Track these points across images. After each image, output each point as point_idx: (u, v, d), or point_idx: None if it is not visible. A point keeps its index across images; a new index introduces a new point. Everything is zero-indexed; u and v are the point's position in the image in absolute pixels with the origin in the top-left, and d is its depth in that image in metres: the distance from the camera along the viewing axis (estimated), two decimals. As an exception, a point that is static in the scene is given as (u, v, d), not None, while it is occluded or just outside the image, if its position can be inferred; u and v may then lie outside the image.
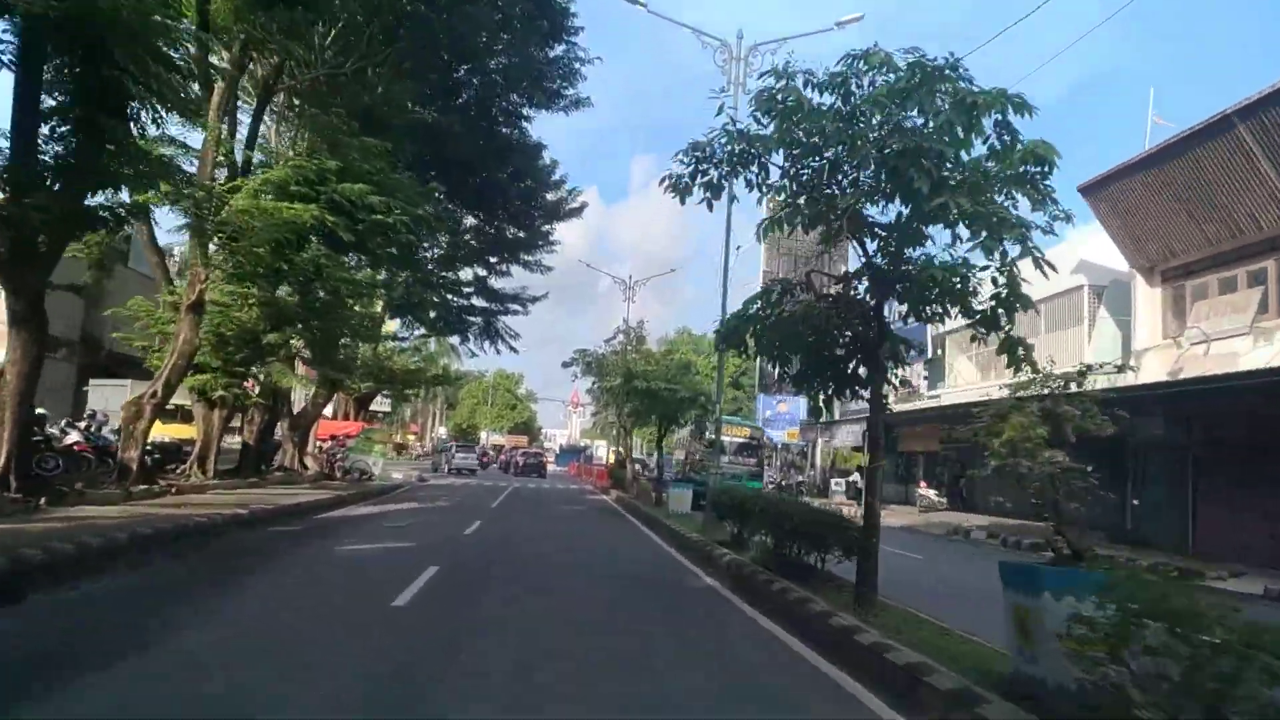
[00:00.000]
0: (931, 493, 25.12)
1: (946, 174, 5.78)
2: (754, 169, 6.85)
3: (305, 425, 22.86)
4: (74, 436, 13.15)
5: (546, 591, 7.93)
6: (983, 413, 5.38)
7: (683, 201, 6.93)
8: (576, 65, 22.80)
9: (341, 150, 16.37)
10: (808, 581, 7.38)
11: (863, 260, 7.19)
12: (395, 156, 18.36)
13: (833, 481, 28.80)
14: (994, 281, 5.88)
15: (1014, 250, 5.56)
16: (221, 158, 17.16)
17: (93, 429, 14.39)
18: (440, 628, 5.95)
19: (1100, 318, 20.31)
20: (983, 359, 25.51)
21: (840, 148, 6.79)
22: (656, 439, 20.88)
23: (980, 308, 6.36)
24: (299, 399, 25.04)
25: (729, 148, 6.64)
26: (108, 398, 18.56)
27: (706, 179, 6.83)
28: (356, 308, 27.34)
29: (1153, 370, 17.39)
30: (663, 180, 6.82)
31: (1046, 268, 5.55)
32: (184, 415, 17.76)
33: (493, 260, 30.98)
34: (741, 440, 21.73)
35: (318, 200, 15.87)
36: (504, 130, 26.15)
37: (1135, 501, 18.90)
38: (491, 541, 11.93)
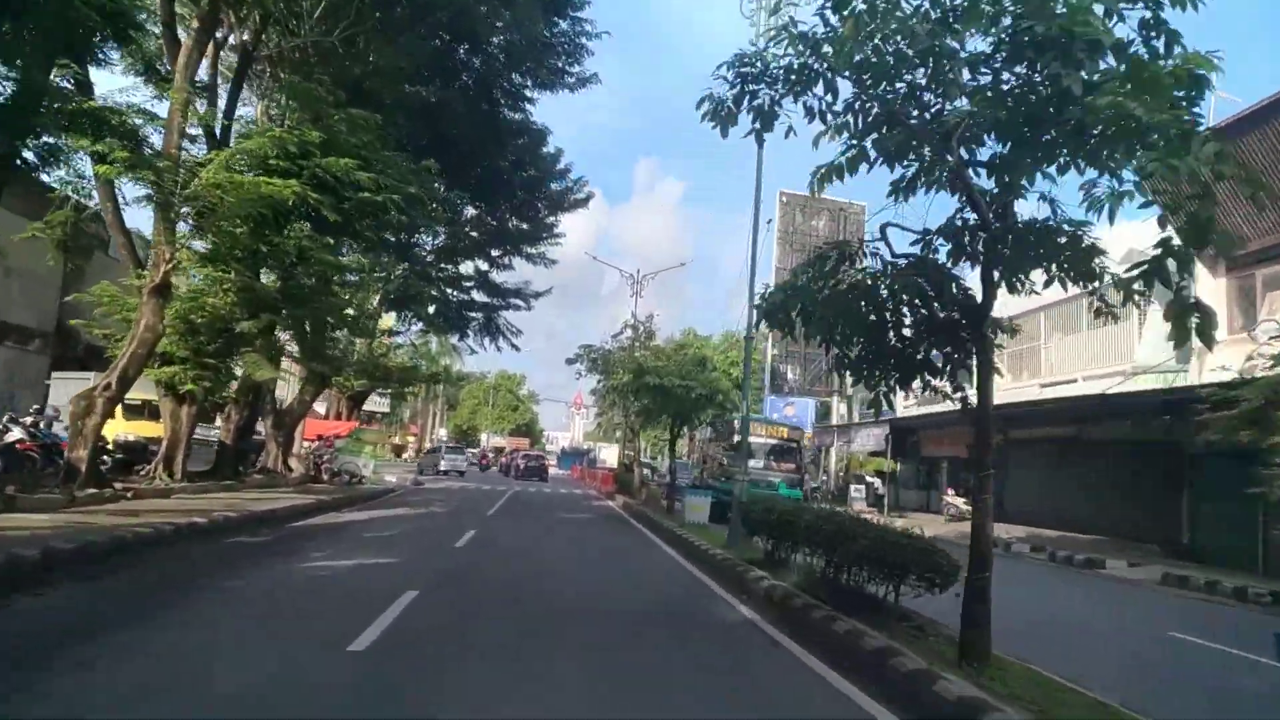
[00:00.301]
0: (959, 501, 23.48)
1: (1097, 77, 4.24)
2: (818, 89, 5.31)
3: (290, 424, 21.36)
4: (16, 434, 11.64)
5: (545, 625, 6.39)
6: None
7: (724, 133, 5.41)
8: (582, 40, 21.33)
9: (326, 122, 14.90)
10: (876, 619, 5.84)
11: (961, 210, 5.66)
12: (387, 133, 16.93)
13: (851, 488, 27.18)
14: (1161, 222, 4.33)
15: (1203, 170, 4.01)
16: (198, 129, 15.76)
17: (41, 425, 12.88)
18: (404, 687, 4.43)
19: (1151, 311, 18.70)
20: (1014, 358, 23.91)
21: (927, 66, 5.28)
22: (669, 440, 19.17)
23: (1122, 265, 4.82)
24: (285, 395, 23.54)
25: (786, 59, 5.11)
26: (70, 392, 17.06)
27: (756, 103, 5.30)
28: (352, 300, 25.98)
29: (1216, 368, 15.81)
30: (700, 104, 5.30)
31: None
32: (152, 411, 16.25)
33: (494, 253, 29.50)
34: (776, 442, 18.68)
35: (300, 176, 14.47)
36: (506, 113, 24.70)
37: (1191, 513, 17.32)
38: (484, 556, 10.41)
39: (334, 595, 7.10)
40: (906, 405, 30.34)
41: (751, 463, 15.99)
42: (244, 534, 11.02)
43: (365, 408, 56.05)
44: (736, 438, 15.89)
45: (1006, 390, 23.72)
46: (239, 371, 16.41)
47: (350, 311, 25.63)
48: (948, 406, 25.63)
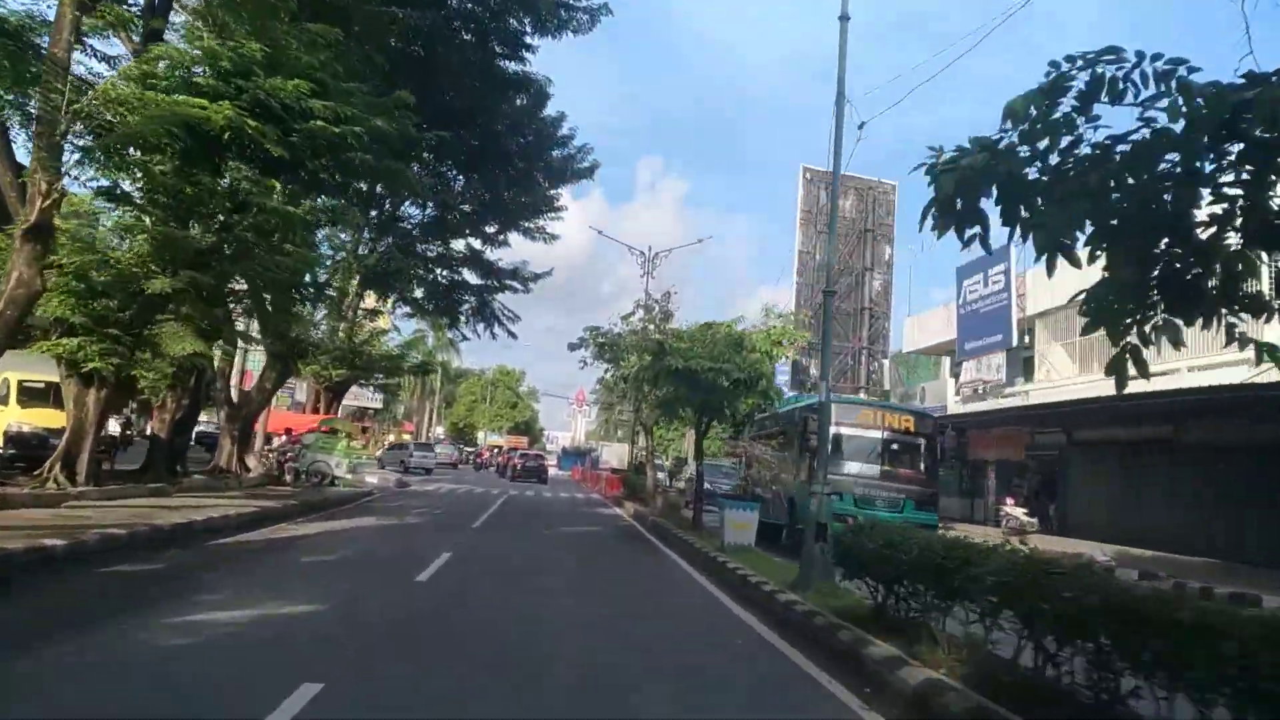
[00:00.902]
0: (1020, 511, 20.39)
1: None
2: None
3: (248, 415, 18.31)
4: None
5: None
6: None
7: None
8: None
9: (272, 35, 11.89)
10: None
11: None
12: (361, 71, 13.96)
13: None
14: None
15: None
16: (125, 49, 12.82)
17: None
18: None
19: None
20: (1086, 347, 20.85)
21: None
22: (695, 438, 15.76)
23: None
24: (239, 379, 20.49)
25: None
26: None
27: None
28: (332, 275, 22.89)
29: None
30: None
31: None
32: (59, 397, 13.21)
33: (489, 230, 26.38)
34: (888, 436, 12.39)
35: (238, 100, 11.57)
36: (504, 64, 21.69)
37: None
38: (453, 601, 7.33)
39: (167, 702, 4.03)
40: (954, 401, 27.27)
41: (849, 467, 11.86)
42: (134, 559, 8.04)
43: (359, 404, 53.04)
44: (840, 431, 11.43)
45: (1077, 385, 20.68)
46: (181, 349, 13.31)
47: (334, 284, 22.67)
48: (1000, 404, 21.73)
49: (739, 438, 35.88)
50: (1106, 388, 18.61)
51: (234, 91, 11.63)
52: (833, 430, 10.24)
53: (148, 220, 11.79)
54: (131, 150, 11.90)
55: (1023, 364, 22.81)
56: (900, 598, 5.73)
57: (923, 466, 12.93)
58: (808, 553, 7.59)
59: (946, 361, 31.05)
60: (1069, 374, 21.02)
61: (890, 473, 12.39)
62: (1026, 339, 22.72)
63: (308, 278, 16.93)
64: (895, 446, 12.73)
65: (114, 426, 22.82)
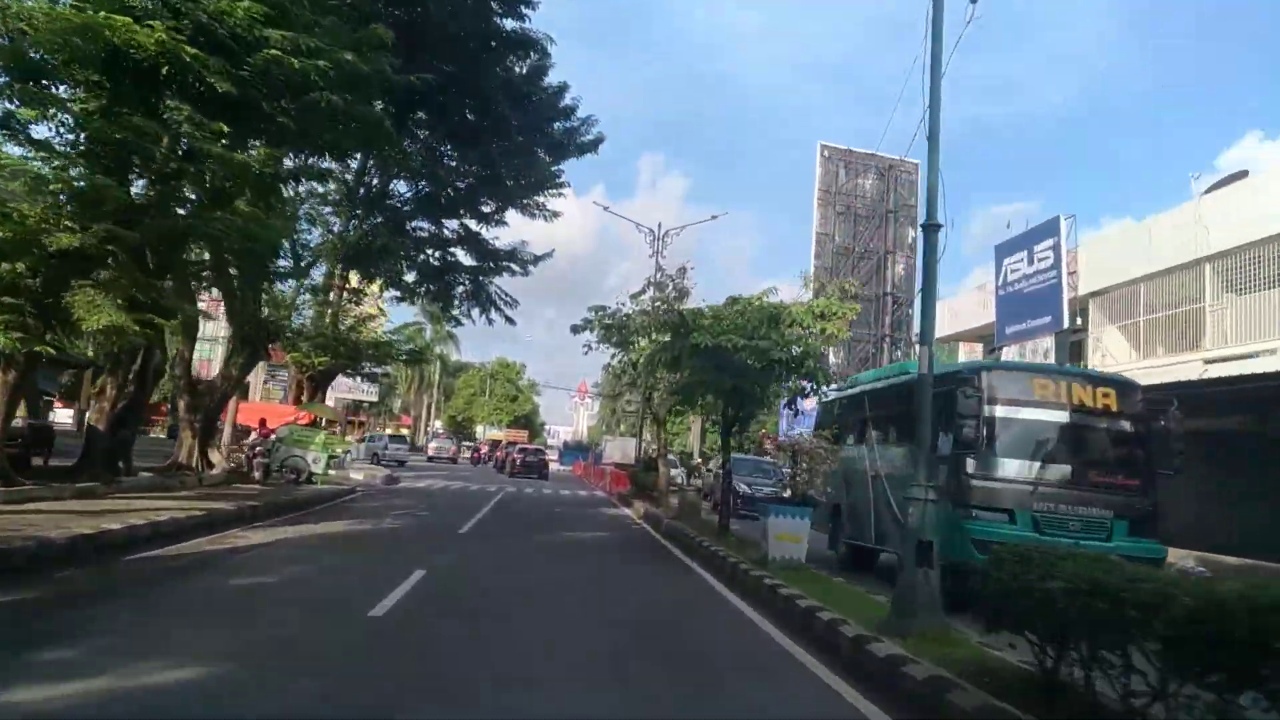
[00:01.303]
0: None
1: None
2: None
3: (212, 405, 16.30)
4: None
5: None
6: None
7: None
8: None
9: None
10: None
11: None
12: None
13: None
14: None
15: None
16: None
17: None
18: None
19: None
20: (1151, 328, 18.77)
21: None
22: (723, 429, 13.57)
23: None
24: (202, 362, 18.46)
25: None
26: None
27: None
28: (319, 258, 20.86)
29: None
30: None
31: None
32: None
33: (485, 209, 24.26)
34: (1077, 421, 8.18)
35: (177, 24, 9.64)
36: (501, 22, 19.66)
37: None
38: (405, 661, 5.30)
39: None
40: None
41: (1018, 469, 7.94)
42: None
43: (353, 397, 50.98)
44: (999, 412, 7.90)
45: (1140, 370, 18.58)
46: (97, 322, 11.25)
47: (322, 262, 20.61)
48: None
49: (745, 429, 33.28)
50: (1172, 373, 16.38)
51: (172, 15, 9.68)
52: (987, 411, 7.56)
53: (74, 171, 9.79)
54: (54, 88, 10.02)
55: (1071, 349, 20.76)
56: (1094, 664, 3.70)
57: (1135, 465, 8.33)
58: (905, 582, 5.55)
59: (961, 349, 28.92)
60: (1127, 359, 18.94)
61: (1085, 477, 8.03)
62: (1078, 320, 20.66)
63: (283, 250, 14.96)
64: (1092, 435, 8.40)
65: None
